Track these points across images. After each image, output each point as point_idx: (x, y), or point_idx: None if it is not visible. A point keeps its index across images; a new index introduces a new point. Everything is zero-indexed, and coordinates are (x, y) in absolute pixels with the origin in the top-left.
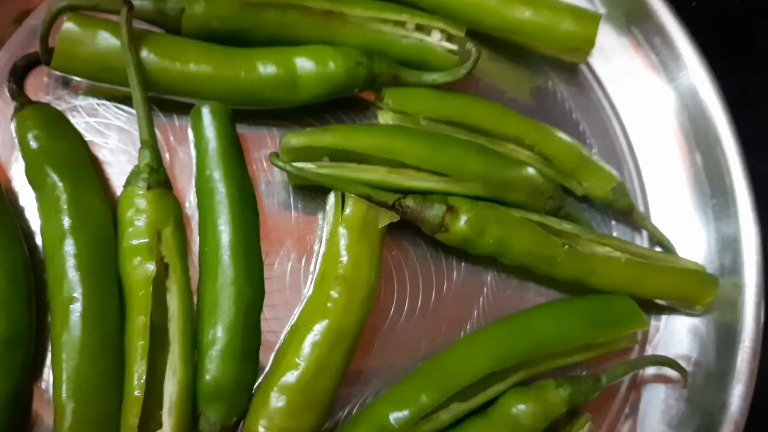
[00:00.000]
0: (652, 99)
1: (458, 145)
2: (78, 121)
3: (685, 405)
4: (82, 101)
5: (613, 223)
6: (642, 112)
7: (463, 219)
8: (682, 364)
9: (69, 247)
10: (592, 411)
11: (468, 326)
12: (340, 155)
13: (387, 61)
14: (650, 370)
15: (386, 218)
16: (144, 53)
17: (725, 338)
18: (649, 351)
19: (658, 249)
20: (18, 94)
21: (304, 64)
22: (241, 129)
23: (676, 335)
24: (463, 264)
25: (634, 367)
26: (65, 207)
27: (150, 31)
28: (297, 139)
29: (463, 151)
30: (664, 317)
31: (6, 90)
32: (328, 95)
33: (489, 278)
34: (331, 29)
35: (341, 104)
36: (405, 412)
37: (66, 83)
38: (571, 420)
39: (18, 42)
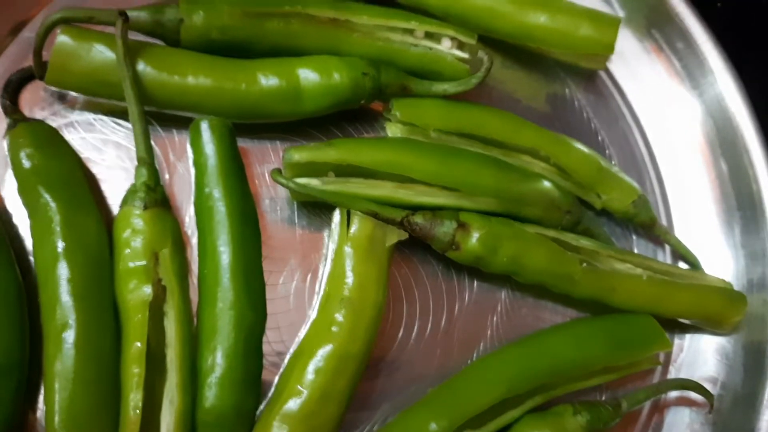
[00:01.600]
0: (675, 106)
1: (470, 159)
2: (74, 137)
3: (711, 430)
4: (78, 116)
5: (634, 237)
6: (664, 121)
7: (475, 236)
8: (708, 386)
9: (62, 270)
10: None
11: (481, 348)
12: (345, 170)
13: (395, 71)
14: (674, 394)
15: (394, 236)
16: (141, 66)
17: (754, 359)
18: (673, 373)
19: (682, 265)
20: (11, 110)
21: (307, 75)
22: (243, 143)
23: (702, 356)
24: (475, 282)
25: (657, 391)
26: (58, 229)
27: (147, 43)
28: (300, 154)
29: (475, 164)
30: (688, 337)
31: (0, 107)
32: (333, 107)
33: (503, 297)
34: (337, 38)
35: (347, 116)
36: None
37: (62, 98)
38: None
39: (13, 55)
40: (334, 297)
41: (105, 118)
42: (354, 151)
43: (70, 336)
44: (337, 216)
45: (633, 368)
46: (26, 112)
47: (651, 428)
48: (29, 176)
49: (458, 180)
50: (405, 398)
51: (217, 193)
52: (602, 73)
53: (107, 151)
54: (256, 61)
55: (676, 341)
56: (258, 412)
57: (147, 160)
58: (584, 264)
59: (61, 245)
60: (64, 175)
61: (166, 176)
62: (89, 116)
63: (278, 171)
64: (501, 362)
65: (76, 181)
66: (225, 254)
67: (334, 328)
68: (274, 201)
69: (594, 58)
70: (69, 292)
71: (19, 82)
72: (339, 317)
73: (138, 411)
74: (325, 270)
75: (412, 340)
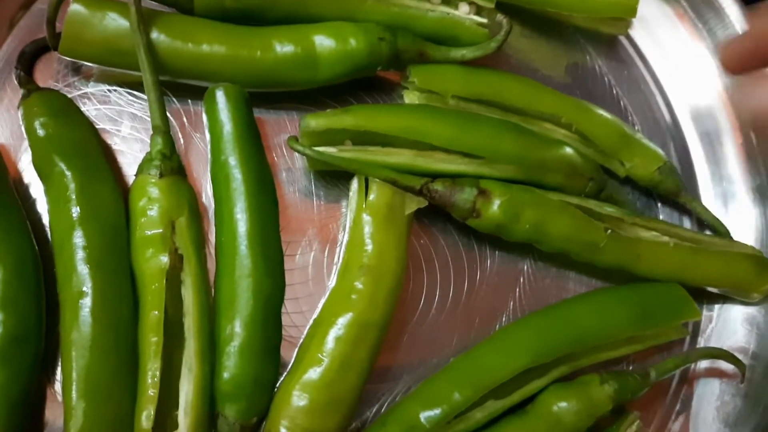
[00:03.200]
0: (700, 71)
1: (490, 124)
2: (89, 109)
3: (742, 401)
4: (93, 88)
5: (659, 205)
6: (688, 86)
7: (496, 203)
8: (739, 356)
9: (78, 238)
10: (640, 409)
11: (503, 318)
12: (363, 138)
13: (412, 37)
14: (703, 364)
15: (413, 204)
16: (155, 34)
17: None
18: (701, 344)
19: (708, 233)
20: (26, 81)
21: (323, 41)
22: (259, 114)
23: (731, 325)
24: (497, 252)
25: (686, 360)
26: (74, 197)
27: (161, 11)
28: (317, 121)
29: (496, 130)
30: (717, 306)
31: (14, 77)
32: (349, 74)
33: (525, 267)
34: (352, 4)
35: (364, 85)
36: (437, 411)
37: (77, 69)
38: (617, 419)
39: (26, 27)
40: (353, 265)
41: (120, 89)
42: (371, 117)
43: (86, 304)
44: (355, 183)
45: (660, 338)
46: (41, 85)
47: (680, 400)
48: (44, 145)
49: (478, 146)
50: (427, 369)
51: (233, 161)
52: (623, 39)
53: (123, 122)
54: (270, 28)
55: (705, 312)
56: (278, 382)
57: (162, 128)
58: (609, 231)
59: (76, 213)
60: (78, 143)
61: (183, 148)
62: (104, 88)
63: (294, 138)
64: (525, 331)
65: (91, 150)
66: (242, 222)
67: (353, 296)
68: (291, 171)
69: (615, 22)
70: (85, 260)
71: (33, 53)
72: (358, 285)
73: (156, 380)
74: (344, 239)
75: (433, 310)
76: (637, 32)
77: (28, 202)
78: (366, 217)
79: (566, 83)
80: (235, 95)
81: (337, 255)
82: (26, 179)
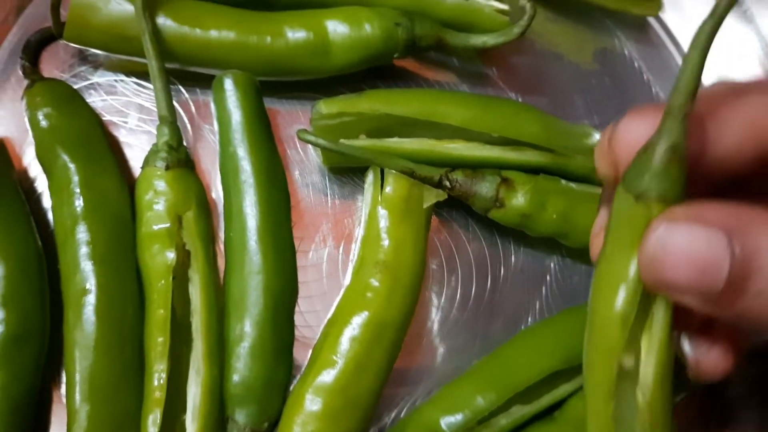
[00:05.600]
0: (736, 54)
1: (511, 105)
2: (95, 100)
3: None
4: (99, 78)
5: None
6: (725, 71)
7: (520, 191)
8: None
9: (82, 233)
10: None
11: (529, 318)
12: (378, 132)
13: (430, 22)
14: None
15: (432, 196)
16: (161, 19)
17: None
18: None
19: None
20: (31, 71)
21: (336, 27)
22: (270, 104)
23: None
24: (522, 248)
25: None
26: (77, 190)
27: None
28: (329, 106)
29: (518, 110)
30: None
31: (19, 68)
32: (364, 62)
33: (552, 264)
34: None
35: (380, 73)
36: (458, 416)
37: (83, 59)
38: None
39: (32, 16)
40: (368, 261)
41: (127, 79)
42: (387, 101)
43: (90, 302)
44: (370, 176)
45: None
46: (46, 75)
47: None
48: (47, 136)
49: (501, 125)
50: (448, 372)
51: (242, 152)
52: (654, 22)
53: (130, 113)
54: (281, 13)
55: None
56: (290, 387)
57: (168, 118)
58: None
59: (80, 206)
60: (83, 134)
61: (191, 140)
62: (111, 78)
63: (305, 130)
64: (553, 331)
65: (95, 141)
66: (251, 216)
67: (369, 294)
68: (303, 164)
69: (646, 4)
70: (89, 255)
71: (38, 43)
72: (374, 282)
73: (163, 382)
74: (359, 235)
75: (455, 310)
76: (669, 14)
77: (34, 197)
78: (382, 211)
79: (594, 70)
80: (244, 83)
81: (353, 251)
82: (32, 173)
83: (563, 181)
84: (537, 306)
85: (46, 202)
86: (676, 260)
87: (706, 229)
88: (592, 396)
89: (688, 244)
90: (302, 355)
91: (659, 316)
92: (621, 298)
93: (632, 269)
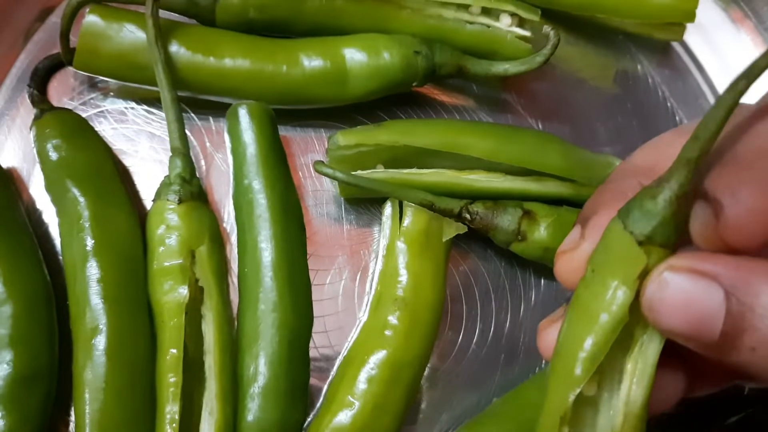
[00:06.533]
0: (762, 82)
1: (534, 135)
2: (105, 128)
3: None
4: (110, 105)
5: None
6: (750, 98)
7: (542, 224)
8: None
9: (92, 270)
10: None
11: None
12: (395, 162)
13: (450, 50)
14: None
15: (452, 230)
16: (174, 47)
17: None
18: None
19: None
20: (39, 99)
21: (354, 55)
22: (285, 132)
23: None
24: (542, 281)
25: None
26: (87, 225)
27: (181, 23)
28: (347, 138)
29: (541, 141)
30: None
31: (27, 96)
32: (382, 90)
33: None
34: (385, 15)
35: (398, 101)
36: None
37: (93, 86)
38: None
39: (41, 42)
40: (386, 297)
41: (138, 107)
42: (407, 132)
43: (101, 341)
44: (388, 208)
45: None
46: (55, 103)
47: None
48: (56, 169)
49: (523, 157)
50: (466, 409)
51: (257, 185)
52: (678, 47)
53: (140, 142)
54: (298, 40)
55: None
56: (306, 424)
57: (181, 149)
58: None
59: (90, 243)
60: (93, 167)
61: (204, 169)
62: (121, 105)
63: (322, 162)
64: None
65: (106, 174)
66: (266, 251)
67: (387, 332)
68: (319, 194)
69: (669, 28)
70: (99, 293)
71: (47, 70)
72: (393, 320)
73: (176, 425)
74: (376, 268)
75: (474, 345)
76: (692, 38)
77: (41, 230)
78: (401, 245)
79: (616, 94)
80: (259, 114)
81: (369, 284)
82: (39, 205)
83: None
84: None
85: (55, 233)
86: (673, 308)
87: (704, 280)
88: (543, 425)
89: (685, 294)
90: (317, 392)
91: (653, 345)
92: (600, 331)
93: (618, 303)
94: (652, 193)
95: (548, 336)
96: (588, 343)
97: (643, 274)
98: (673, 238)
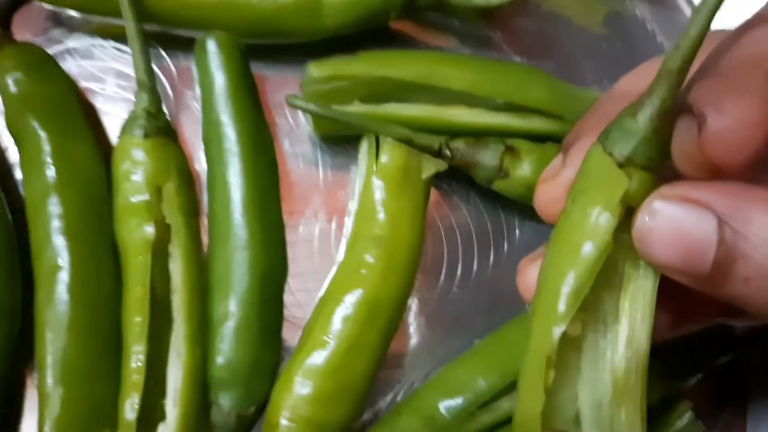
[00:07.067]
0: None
1: (517, 68)
2: (71, 66)
3: None
4: (75, 42)
5: None
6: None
7: (526, 160)
8: None
9: (53, 206)
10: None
11: None
12: (373, 97)
13: None
14: None
15: (431, 166)
16: None
17: None
18: None
19: None
20: (1, 35)
21: None
22: (257, 69)
23: None
24: (526, 222)
25: None
26: (49, 159)
27: None
28: (320, 69)
29: (524, 74)
30: None
31: None
32: (359, 23)
33: None
34: None
35: (375, 37)
36: (458, 400)
37: (58, 22)
38: (667, 409)
39: None
40: (362, 236)
41: (105, 43)
42: (384, 63)
43: (62, 279)
44: (364, 144)
45: None
46: (19, 40)
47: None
48: (17, 103)
49: (506, 89)
50: (447, 353)
51: (226, 118)
52: None
53: (107, 80)
54: None
55: None
56: (279, 370)
57: (147, 83)
58: None
59: (51, 177)
60: (56, 101)
61: (174, 107)
62: (88, 42)
63: (295, 95)
64: None
65: (69, 109)
66: (236, 187)
67: (363, 271)
68: (293, 133)
69: None
70: (61, 229)
71: (10, 5)
72: (369, 258)
73: (142, 364)
74: (352, 208)
75: (455, 287)
76: None
77: (4, 169)
78: (377, 182)
79: (603, 34)
80: (228, 45)
81: (346, 226)
82: (2, 144)
83: None
84: None
85: (18, 175)
86: (664, 239)
87: (697, 209)
88: (528, 367)
89: (676, 224)
90: (292, 336)
91: (648, 282)
92: (583, 261)
93: (601, 230)
94: (632, 111)
95: (529, 275)
96: (571, 276)
97: (626, 199)
98: (656, 160)
